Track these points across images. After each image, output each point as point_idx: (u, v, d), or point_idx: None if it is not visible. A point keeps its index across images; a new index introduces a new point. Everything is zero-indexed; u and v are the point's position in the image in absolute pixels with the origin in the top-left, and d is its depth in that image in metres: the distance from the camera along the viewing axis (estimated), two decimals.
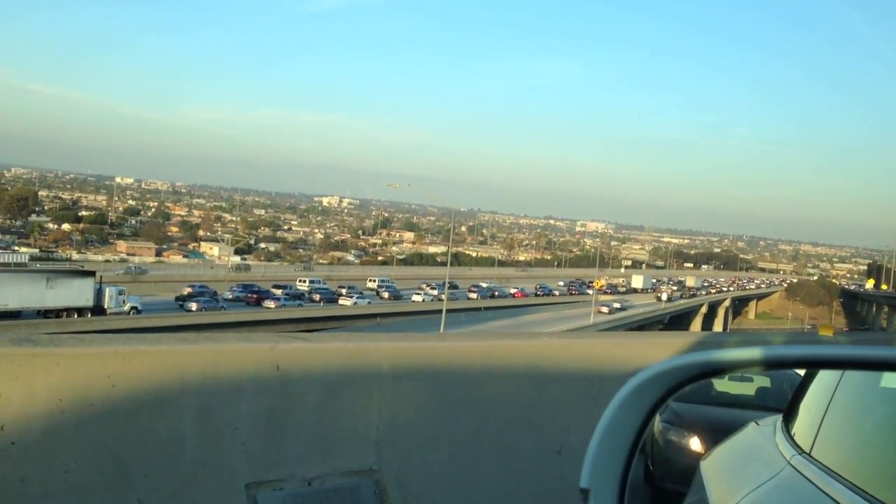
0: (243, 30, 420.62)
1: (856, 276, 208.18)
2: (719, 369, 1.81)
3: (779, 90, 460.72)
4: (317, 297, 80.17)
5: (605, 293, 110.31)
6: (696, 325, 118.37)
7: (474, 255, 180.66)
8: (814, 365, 2.13)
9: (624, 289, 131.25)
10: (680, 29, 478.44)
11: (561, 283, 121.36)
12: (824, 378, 2.29)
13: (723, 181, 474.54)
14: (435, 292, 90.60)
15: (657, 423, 2.95)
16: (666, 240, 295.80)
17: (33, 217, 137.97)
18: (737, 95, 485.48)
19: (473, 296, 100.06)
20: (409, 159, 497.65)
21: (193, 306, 66.32)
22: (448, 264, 75.37)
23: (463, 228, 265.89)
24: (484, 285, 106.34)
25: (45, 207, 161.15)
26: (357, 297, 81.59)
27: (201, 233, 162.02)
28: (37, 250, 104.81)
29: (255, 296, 74.05)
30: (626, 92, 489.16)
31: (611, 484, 1.64)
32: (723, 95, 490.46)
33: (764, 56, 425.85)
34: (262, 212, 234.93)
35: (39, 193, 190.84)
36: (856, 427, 2.14)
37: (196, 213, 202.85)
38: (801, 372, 2.57)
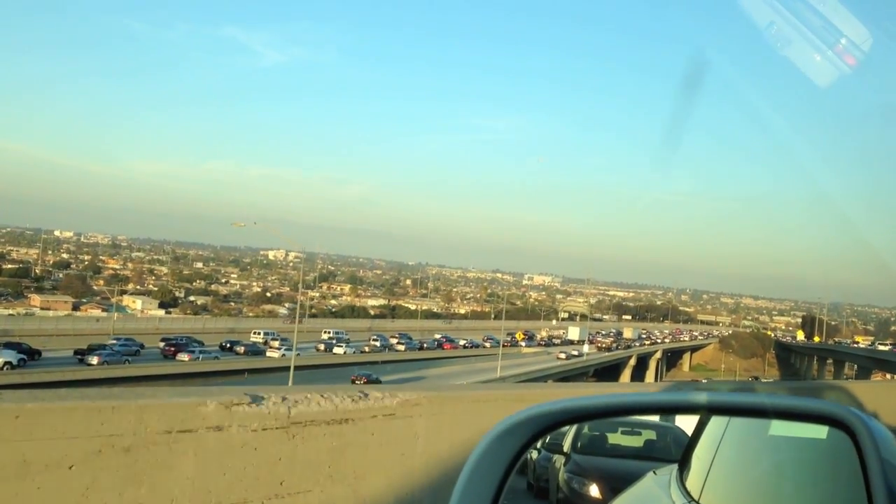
0: (192, 85, 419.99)
1: (792, 329, 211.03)
2: (583, 415, 1.92)
3: (715, 149, 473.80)
4: (241, 349, 79.34)
5: (526, 346, 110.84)
6: (626, 376, 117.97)
7: (413, 307, 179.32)
8: (660, 411, 2.26)
9: (559, 341, 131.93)
10: (614, 95, 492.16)
11: (484, 337, 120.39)
12: (714, 426, 2.34)
13: (667, 236, 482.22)
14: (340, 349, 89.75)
15: (562, 472, 3.32)
16: (611, 293, 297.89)
17: None
18: (676, 153, 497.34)
19: (402, 348, 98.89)
20: (359, 213, 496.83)
21: (94, 360, 64.34)
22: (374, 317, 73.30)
23: (408, 282, 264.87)
24: (413, 338, 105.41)
25: None
26: (285, 350, 79.96)
27: (130, 286, 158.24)
28: None
29: (172, 348, 72.39)
30: (572, 148, 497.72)
31: None
32: (663, 152, 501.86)
33: (698, 113, 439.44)
34: (201, 265, 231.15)
35: None
36: (744, 475, 2.22)
37: (130, 265, 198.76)
38: (691, 422, 2.58)
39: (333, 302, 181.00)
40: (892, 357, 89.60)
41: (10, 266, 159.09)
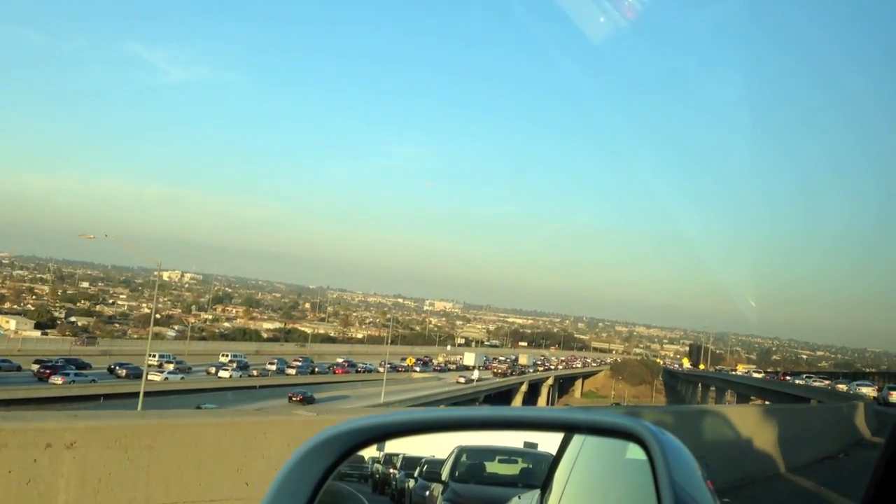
0: (90, 98, 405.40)
1: (680, 356, 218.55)
2: (389, 432, 1.93)
3: (610, 181, 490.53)
4: (123, 371, 76.81)
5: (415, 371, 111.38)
6: (517, 402, 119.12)
7: (310, 331, 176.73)
8: (479, 427, 2.25)
9: (454, 366, 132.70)
10: (522, 125, 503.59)
11: (381, 362, 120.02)
12: (571, 450, 2.38)
13: (566, 265, 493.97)
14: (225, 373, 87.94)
15: (439, 501, 2.94)
16: (511, 320, 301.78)
17: None
18: (577, 185, 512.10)
19: (292, 371, 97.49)
20: (261, 235, 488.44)
21: None
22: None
23: (307, 305, 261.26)
24: (297, 363, 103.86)
25: None
26: (168, 374, 79.55)
27: (7, 305, 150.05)
28: None
29: (47, 371, 69.34)
30: (475, 177, 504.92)
31: None
32: (564, 185, 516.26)
33: (600, 150, 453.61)
34: (88, 285, 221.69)
35: None
36: (600, 497, 2.31)
37: (11, 284, 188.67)
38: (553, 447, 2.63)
39: (226, 325, 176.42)
40: (764, 384, 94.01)
41: None
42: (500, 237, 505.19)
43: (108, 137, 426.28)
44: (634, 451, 1.90)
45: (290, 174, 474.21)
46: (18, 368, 71.84)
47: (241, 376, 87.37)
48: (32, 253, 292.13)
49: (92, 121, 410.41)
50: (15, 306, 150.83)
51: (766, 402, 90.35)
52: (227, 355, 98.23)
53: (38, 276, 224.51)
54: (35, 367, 70.76)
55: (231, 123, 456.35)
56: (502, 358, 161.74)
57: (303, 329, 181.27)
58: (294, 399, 71.55)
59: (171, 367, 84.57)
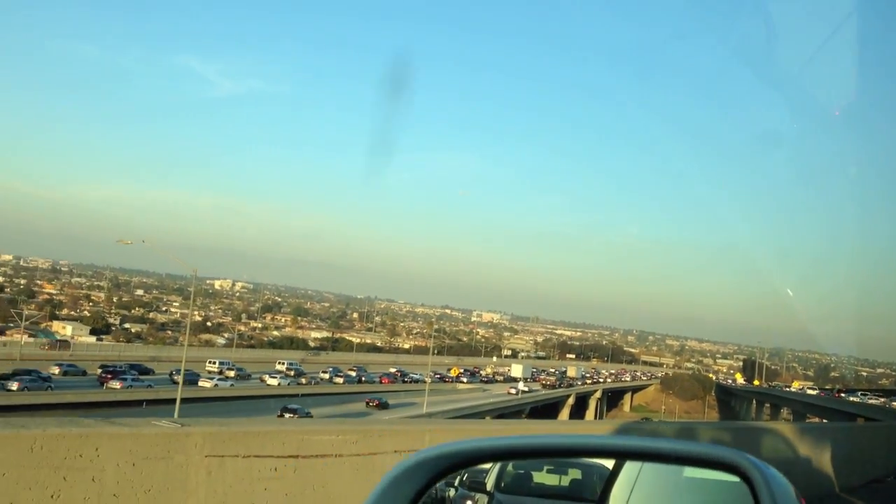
0: (142, 111, 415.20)
1: (734, 371, 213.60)
2: (474, 458, 1.93)
3: (661, 192, 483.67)
4: (179, 378, 77.84)
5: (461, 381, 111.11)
6: (564, 415, 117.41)
7: (357, 341, 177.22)
8: (571, 454, 2.30)
9: (502, 378, 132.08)
10: (573, 132, 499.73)
11: (393, 369, 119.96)
12: (630, 467, 2.37)
13: (616, 277, 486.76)
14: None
15: None
16: (559, 332, 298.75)
17: None
18: (627, 197, 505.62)
19: (340, 380, 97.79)
20: (310, 245, 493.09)
21: (14, 386, 62.06)
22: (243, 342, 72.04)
23: (355, 315, 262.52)
24: (352, 373, 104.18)
25: None
26: (218, 380, 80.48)
27: (65, 312, 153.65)
28: None
29: (108, 376, 71.06)
30: (522, 188, 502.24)
31: None
32: (614, 196, 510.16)
33: (651, 160, 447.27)
34: (142, 292, 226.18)
35: None
36: None
37: (69, 291, 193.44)
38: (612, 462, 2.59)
39: (275, 333, 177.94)
40: (821, 402, 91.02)
41: None
42: (549, 249, 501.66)
43: (162, 149, 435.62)
44: (709, 472, 1.88)
45: (337, 185, 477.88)
46: (84, 373, 74.03)
47: (289, 384, 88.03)
48: (91, 261, 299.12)
49: (146, 133, 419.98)
50: (72, 312, 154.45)
51: (823, 420, 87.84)
52: (283, 363, 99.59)
53: (96, 283, 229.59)
54: (99, 371, 73.04)
55: (281, 134, 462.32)
56: (551, 370, 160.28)
57: (350, 338, 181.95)
58: (371, 404, 77.04)
59: (232, 373, 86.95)
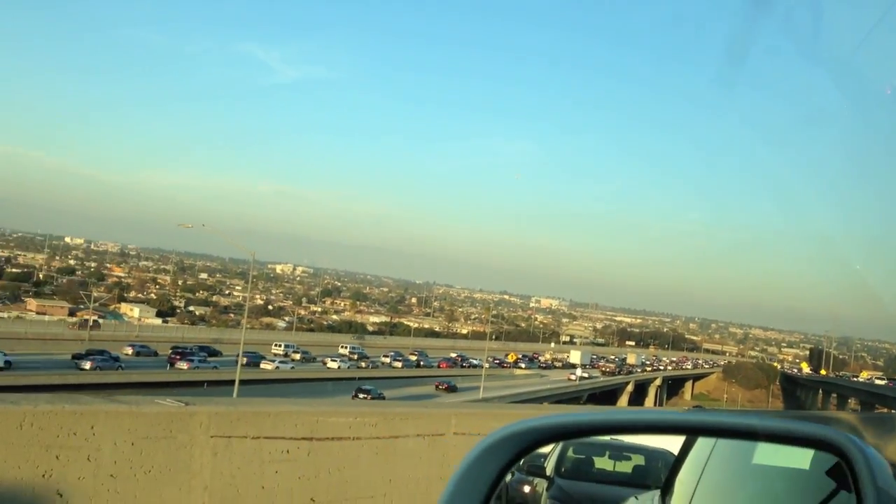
0: (207, 99, 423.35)
1: (799, 361, 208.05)
2: (568, 432, 1.90)
3: (721, 179, 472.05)
4: (244, 360, 79.12)
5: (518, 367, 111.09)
6: (623, 402, 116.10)
7: (415, 325, 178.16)
8: (661, 431, 2.21)
9: (560, 364, 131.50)
10: (630, 121, 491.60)
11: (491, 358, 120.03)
12: (697, 452, 2.34)
13: (678, 264, 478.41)
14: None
15: (544, 498, 3.05)
16: (618, 318, 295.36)
17: None
18: (686, 183, 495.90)
19: (398, 364, 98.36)
20: (370, 230, 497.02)
21: (87, 365, 64.23)
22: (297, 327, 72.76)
23: (413, 300, 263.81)
24: (413, 357, 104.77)
25: None
26: (280, 363, 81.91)
27: (132, 294, 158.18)
28: None
29: (176, 357, 73.39)
30: (581, 175, 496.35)
31: None
32: (674, 181, 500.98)
33: (710, 148, 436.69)
34: (206, 276, 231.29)
35: None
36: (727, 501, 2.25)
37: (136, 274, 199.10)
38: (677, 447, 2.56)
39: (334, 317, 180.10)
40: (889, 392, 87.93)
41: (13, 270, 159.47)
42: (609, 235, 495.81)
43: (225, 135, 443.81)
44: (763, 457, 1.88)
45: (397, 171, 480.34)
46: (155, 354, 76.61)
47: (349, 367, 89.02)
48: (157, 246, 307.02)
49: (210, 119, 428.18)
50: (139, 295, 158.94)
51: (892, 411, 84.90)
52: (346, 346, 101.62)
53: (162, 267, 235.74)
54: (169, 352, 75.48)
55: (339, 120, 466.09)
56: (611, 357, 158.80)
57: (408, 323, 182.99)
58: (440, 387, 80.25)
59: (297, 356, 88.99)
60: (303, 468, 4.41)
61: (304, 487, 4.39)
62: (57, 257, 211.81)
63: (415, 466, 5.03)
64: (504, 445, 1.64)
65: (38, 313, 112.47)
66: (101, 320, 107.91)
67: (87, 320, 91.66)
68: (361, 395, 64.55)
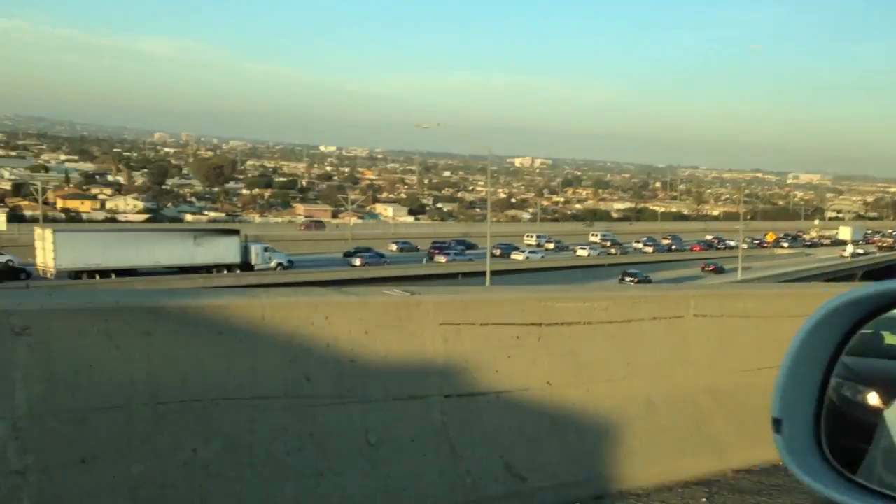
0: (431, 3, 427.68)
1: None
2: None
3: None
4: (497, 251, 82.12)
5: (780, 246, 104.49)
6: None
7: (661, 210, 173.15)
8: None
9: (828, 241, 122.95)
10: None
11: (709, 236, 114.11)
12: None
13: None
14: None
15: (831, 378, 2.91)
16: (893, 189, 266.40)
17: (230, 184, 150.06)
18: None
19: (649, 249, 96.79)
20: (607, 117, 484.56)
21: (357, 262, 70.37)
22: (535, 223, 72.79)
23: (657, 184, 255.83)
24: (666, 242, 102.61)
25: (248, 175, 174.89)
26: (529, 253, 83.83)
27: (384, 195, 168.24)
28: (223, 214, 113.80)
29: (435, 251, 78.10)
30: (825, 38, 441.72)
31: (803, 413, 1.59)
32: None
33: None
34: (450, 174, 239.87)
35: (248, 163, 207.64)
36: None
37: (385, 176, 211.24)
38: None
39: (577, 206, 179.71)
40: None
41: (280, 179, 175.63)
42: (878, 101, 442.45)
43: (455, 34, 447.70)
44: None
45: (630, 54, 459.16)
46: (416, 249, 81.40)
47: (598, 254, 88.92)
48: (401, 148, 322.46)
49: (441, 22, 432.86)
50: (390, 195, 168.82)
51: None
52: (596, 234, 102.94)
53: (408, 167, 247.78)
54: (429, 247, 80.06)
55: (568, 10, 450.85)
56: (888, 231, 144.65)
57: (653, 208, 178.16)
58: (707, 269, 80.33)
59: (551, 245, 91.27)
60: (535, 353, 4.36)
61: (538, 371, 4.36)
62: (315, 165, 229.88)
63: (653, 349, 4.81)
64: (846, 310, 1.57)
65: (305, 217, 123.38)
66: (358, 220, 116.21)
67: (316, 221, 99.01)
68: (628, 279, 67.62)
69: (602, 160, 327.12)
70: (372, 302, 3.95)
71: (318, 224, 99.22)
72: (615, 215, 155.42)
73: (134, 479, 3.16)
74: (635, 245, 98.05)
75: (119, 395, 3.18)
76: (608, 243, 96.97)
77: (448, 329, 4.09)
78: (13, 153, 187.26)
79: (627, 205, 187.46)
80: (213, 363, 3.40)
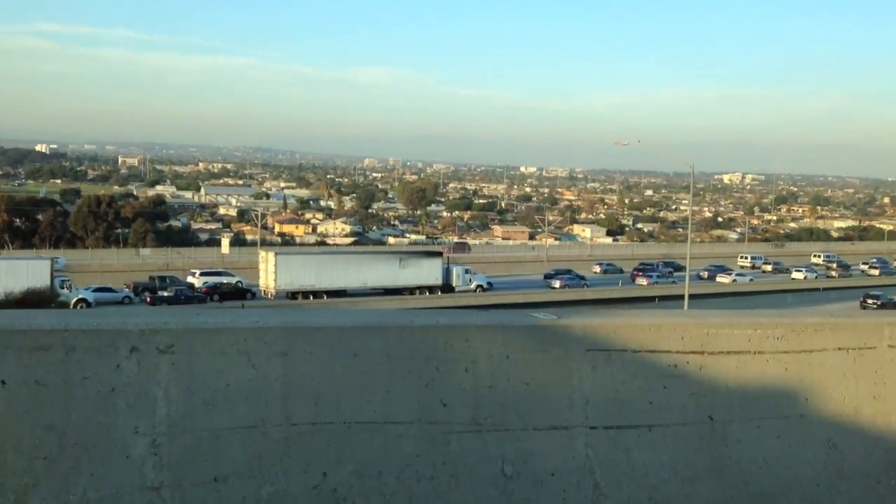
0: (639, 17, 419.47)
1: None
2: None
3: None
4: (705, 274, 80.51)
5: None
6: None
7: (888, 228, 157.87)
8: None
9: None
10: None
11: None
12: None
13: None
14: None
15: None
16: None
17: (432, 207, 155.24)
18: None
19: (875, 272, 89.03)
20: (830, 127, 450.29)
21: (557, 284, 70.59)
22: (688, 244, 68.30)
23: (885, 200, 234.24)
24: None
25: (449, 198, 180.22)
26: (736, 276, 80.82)
27: (583, 216, 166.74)
28: (424, 237, 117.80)
29: (639, 272, 77.45)
30: None
31: None
32: None
33: None
34: (652, 192, 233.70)
35: (450, 185, 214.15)
36: None
37: (585, 196, 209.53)
38: None
39: (791, 225, 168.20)
40: None
41: (480, 201, 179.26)
42: None
43: (659, 48, 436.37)
44: None
45: (864, 57, 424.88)
46: (620, 271, 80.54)
47: (816, 277, 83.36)
48: (602, 167, 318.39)
49: (639, 34, 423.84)
50: (589, 216, 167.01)
51: None
52: (818, 255, 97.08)
53: (608, 187, 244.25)
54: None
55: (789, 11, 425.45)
56: None
57: (880, 226, 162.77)
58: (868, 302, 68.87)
59: (769, 267, 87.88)
60: (696, 384, 4.00)
61: (699, 404, 4.00)
62: (515, 186, 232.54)
63: (837, 384, 4.26)
64: None
65: (503, 239, 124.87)
66: (555, 241, 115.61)
67: (459, 243, 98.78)
68: (870, 301, 65.75)
69: (822, 174, 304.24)
70: (515, 325, 3.80)
71: (463, 246, 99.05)
72: (834, 234, 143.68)
73: (264, 500, 3.18)
74: (862, 267, 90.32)
75: (253, 416, 3.23)
76: (833, 265, 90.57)
77: (597, 355, 3.85)
78: (240, 182, 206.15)
79: (850, 223, 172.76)
80: (347, 385, 3.40)
